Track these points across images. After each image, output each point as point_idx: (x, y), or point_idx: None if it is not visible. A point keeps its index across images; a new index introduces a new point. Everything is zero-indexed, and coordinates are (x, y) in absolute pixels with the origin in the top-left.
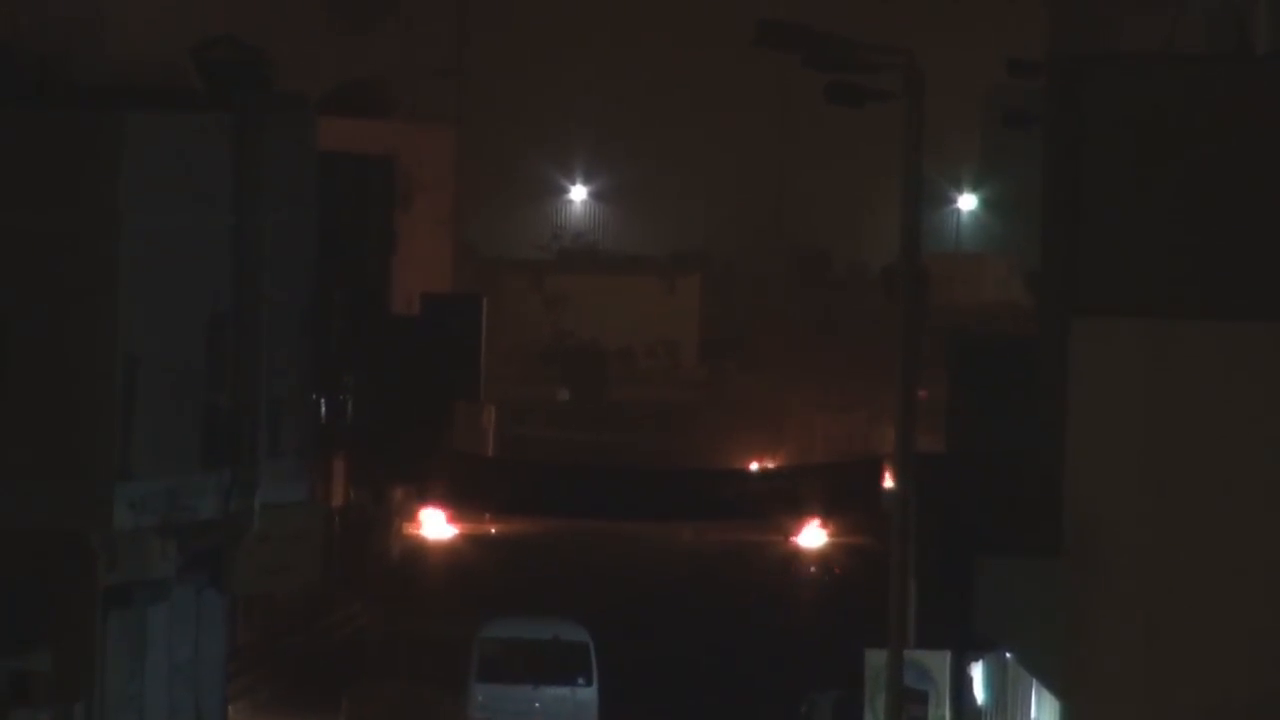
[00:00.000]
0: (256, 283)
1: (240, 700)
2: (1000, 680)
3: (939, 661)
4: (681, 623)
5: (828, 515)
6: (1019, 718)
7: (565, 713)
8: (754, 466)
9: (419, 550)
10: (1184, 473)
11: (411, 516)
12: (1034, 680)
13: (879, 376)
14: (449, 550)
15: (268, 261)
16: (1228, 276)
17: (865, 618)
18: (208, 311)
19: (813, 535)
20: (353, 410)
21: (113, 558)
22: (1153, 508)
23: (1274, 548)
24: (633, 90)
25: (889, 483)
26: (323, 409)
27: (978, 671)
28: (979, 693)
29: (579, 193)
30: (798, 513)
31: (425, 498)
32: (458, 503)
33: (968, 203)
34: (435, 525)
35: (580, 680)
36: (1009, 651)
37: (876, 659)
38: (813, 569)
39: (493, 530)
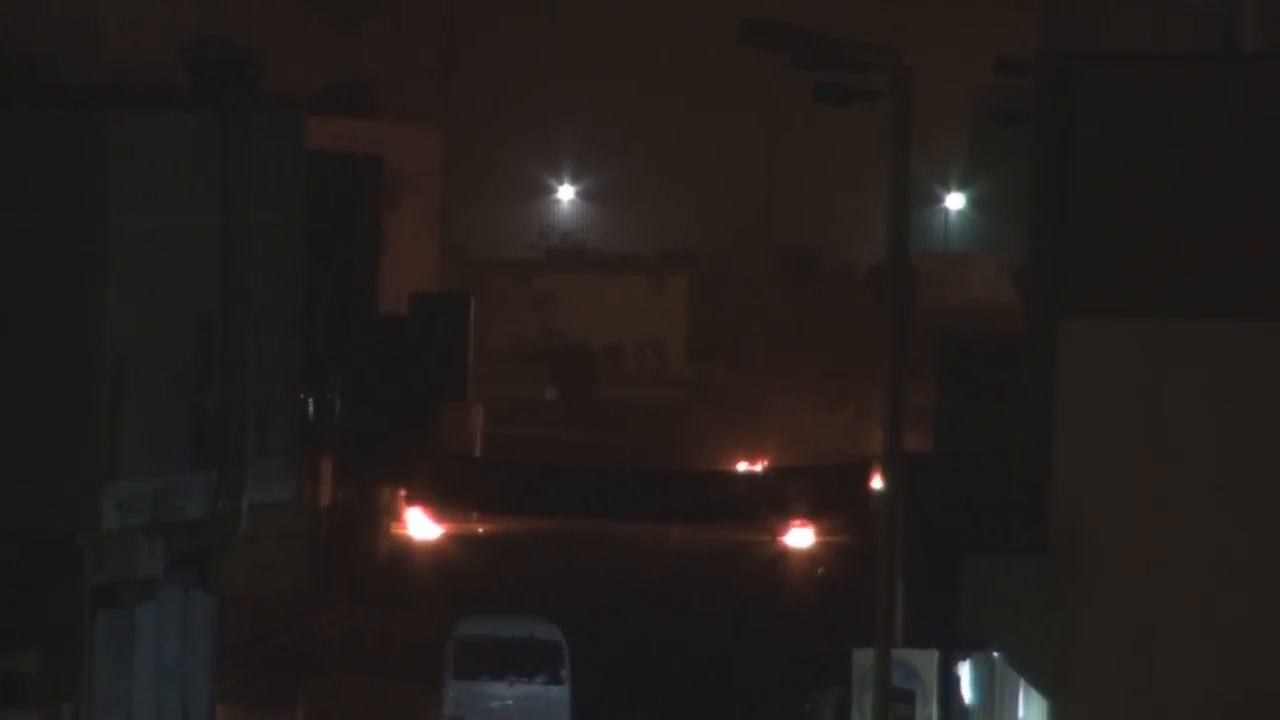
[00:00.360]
0: (244, 282)
1: (227, 699)
2: (988, 679)
3: (926, 661)
4: (668, 623)
5: (815, 517)
6: (1006, 717)
7: (538, 710)
8: (742, 466)
9: (405, 550)
10: (1171, 472)
11: (399, 516)
12: (1021, 679)
13: (867, 376)
14: (434, 550)
15: (256, 261)
16: (1216, 276)
17: (853, 617)
18: (195, 311)
19: (800, 535)
20: (340, 410)
21: (100, 557)
22: (1140, 507)
23: (1261, 547)
24: (621, 90)
25: (877, 483)
26: (310, 409)
27: (965, 671)
28: (966, 692)
29: (567, 192)
30: (785, 514)
31: (411, 497)
32: (444, 502)
33: (955, 202)
34: (421, 525)
35: (553, 679)
36: (996, 651)
37: (864, 658)
38: (801, 569)
39: (479, 530)
